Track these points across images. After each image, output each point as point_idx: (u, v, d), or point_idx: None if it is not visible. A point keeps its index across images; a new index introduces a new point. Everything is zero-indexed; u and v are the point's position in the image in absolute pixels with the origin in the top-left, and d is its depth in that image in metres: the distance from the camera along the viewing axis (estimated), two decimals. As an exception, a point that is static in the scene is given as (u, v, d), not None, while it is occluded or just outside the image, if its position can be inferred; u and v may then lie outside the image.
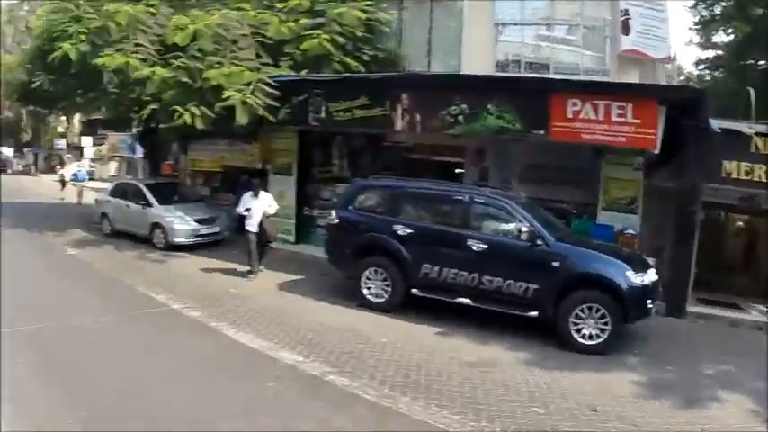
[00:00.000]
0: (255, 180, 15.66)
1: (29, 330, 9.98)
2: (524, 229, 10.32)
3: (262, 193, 14.98)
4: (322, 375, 8.45)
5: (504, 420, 7.12)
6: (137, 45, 16.13)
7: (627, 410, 7.59)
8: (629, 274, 9.83)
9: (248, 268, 14.62)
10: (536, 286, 10.18)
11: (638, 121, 11.29)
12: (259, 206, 14.59)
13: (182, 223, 17.92)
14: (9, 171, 64.91)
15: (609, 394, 8.09)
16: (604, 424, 7.17)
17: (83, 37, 16.57)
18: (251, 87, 14.37)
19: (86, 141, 57.71)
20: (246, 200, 14.73)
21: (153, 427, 6.55)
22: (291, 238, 18.64)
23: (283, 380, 8.24)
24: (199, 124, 14.82)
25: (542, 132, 12.09)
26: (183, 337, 10.15)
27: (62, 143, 63.33)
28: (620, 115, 11.42)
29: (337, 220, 12.66)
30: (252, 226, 14.55)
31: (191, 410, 7.07)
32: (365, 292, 11.95)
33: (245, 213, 14.58)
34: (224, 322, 10.79)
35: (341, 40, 15.93)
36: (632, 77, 15.15)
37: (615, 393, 8.14)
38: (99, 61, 15.75)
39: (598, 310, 9.74)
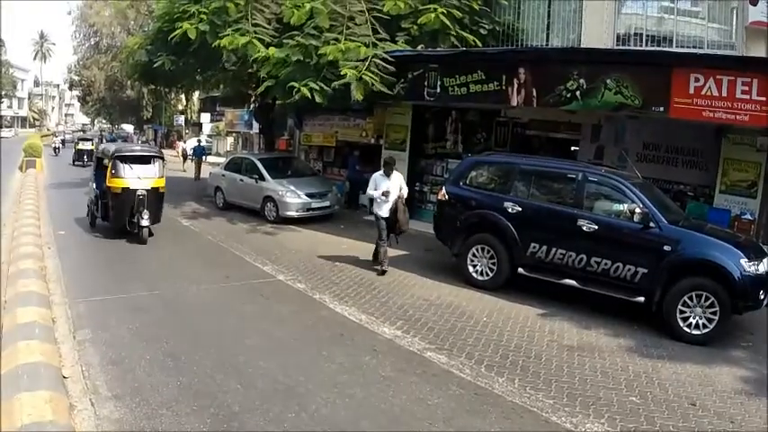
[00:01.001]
0: (390, 157, 14.32)
1: (138, 296, 10.90)
2: (638, 210, 10.20)
3: (394, 172, 13.46)
4: (420, 351, 8.75)
5: (599, 408, 7.15)
6: (254, 25, 16.88)
7: (726, 406, 7.44)
8: (743, 261, 9.51)
9: (376, 259, 13.48)
10: (645, 270, 10.07)
11: (764, 98, 10.92)
12: (393, 188, 13.16)
13: (293, 197, 18.79)
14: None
15: (710, 388, 7.95)
16: (701, 419, 7.08)
17: (203, 17, 17.47)
18: (367, 63, 14.82)
19: (205, 118, 60.29)
20: (379, 180, 13.29)
21: (246, 395, 7.05)
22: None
23: (380, 354, 8.58)
24: (318, 99, 15.40)
25: (662, 109, 11.91)
26: (285, 307, 10.74)
27: (181, 119, 66.36)
28: (744, 92, 11.07)
29: (447, 196, 12.94)
30: (383, 210, 13.22)
31: (286, 380, 7.52)
32: (470, 269, 12.23)
33: (383, 198, 13.06)
34: (327, 295, 11.37)
35: (458, 13, 16.11)
36: (760, 51, 14.61)
37: (716, 387, 7.97)
38: (222, 42, 16.60)
39: (707, 299, 9.50)
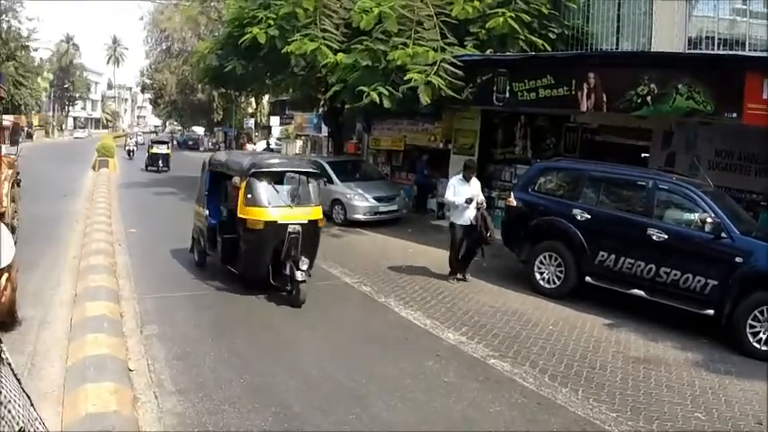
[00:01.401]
0: (471, 160, 13.81)
1: (204, 294, 11.31)
2: (709, 220, 10.00)
3: (473, 178, 12.90)
4: (483, 358, 8.80)
5: (663, 423, 7.05)
6: (323, 30, 17.17)
7: (793, 427, 7.36)
8: (817, 277, 9.28)
9: (454, 271, 13.02)
10: (715, 282, 9.86)
11: (840, 104, 10.62)
12: (475, 195, 12.50)
13: (361, 200, 19.10)
14: (201, 148, 70.17)
15: (778, 407, 7.84)
16: (767, 439, 7.01)
17: (271, 22, 17.88)
18: (435, 68, 14.94)
19: (274, 121, 61.35)
20: (458, 185, 12.63)
21: (308, 396, 7.23)
22: (468, 219, 19.01)
23: (443, 359, 8.66)
24: (386, 103, 15.60)
25: (734, 115, 11.61)
26: (351, 310, 11.01)
27: (251, 122, 67.55)
28: (820, 97, 10.78)
29: (515, 202, 12.87)
30: (463, 218, 12.54)
31: (348, 382, 7.69)
32: (537, 276, 12.21)
33: (464, 205, 12.38)
34: (392, 298, 11.52)
35: (526, 17, 16.14)
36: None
37: (785, 407, 7.88)
38: (289, 48, 16.96)
39: (779, 314, 9.32)
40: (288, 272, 10.71)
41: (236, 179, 11.14)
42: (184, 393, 7.08)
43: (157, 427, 6.29)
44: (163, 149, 39.06)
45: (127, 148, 50.35)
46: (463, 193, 12.42)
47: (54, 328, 8.84)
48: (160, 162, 37.96)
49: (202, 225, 12.64)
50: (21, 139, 19.58)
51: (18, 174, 15.04)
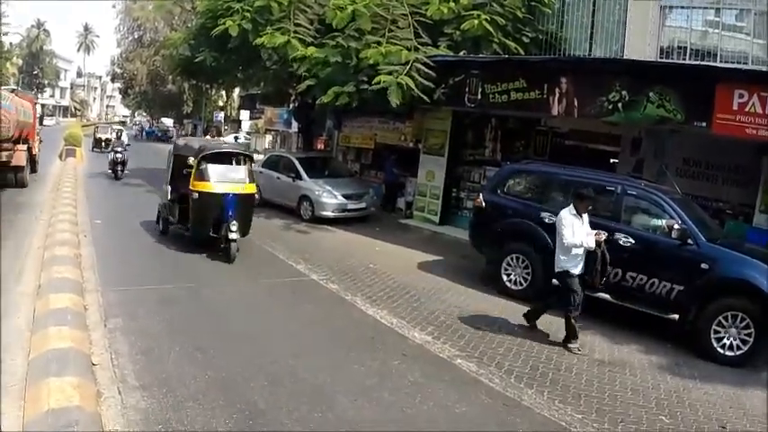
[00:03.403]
0: (588, 189, 10.13)
1: (170, 288, 11.08)
2: (676, 226, 10.05)
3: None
4: (450, 358, 8.77)
5: (628, 425, 7.09)
6: (296, 24, 17.06)
7: (756, 431, 7.37)
8: (781, 283, 9.36)
9: (532, 321, 10.33)
10: (681, 288, 9.94)
11: (808, 117, 10.77)
12: (590, 232, 9.51)
13: (329, 197, 18.89)
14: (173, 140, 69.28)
15: (741, 411, 7.82)
16: (731, 442, 7.01)
17: (246, 14, 17.75)
18: (407, 68, 14.87)
19: (244, 115, 60.93)
20: (572, 220, 9.46)
21: (273, 393, 7.11)
22: (436, 219, 19.27)
23: (410, 359, 8.60)
24: (342, 99, 15.56)
25: (704, 125, 11.80)
26: (317, 307, 10.83)
27: (221, 116, 66.99)
28: (788, 111, 10.91)
29: (484, 204, 12.84)
30: (579, 266, 9.60)
31: (313, 380, 7.59)
32: (504, 278, 12.17)
33: (577, 243, 9.36)
34: (359, 296, 11.41)
35: (501, 21, 16.19)
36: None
37: (748, 411, 7.84)
38: (259, 41, 16.85)
39: (743, 320, 9.33)
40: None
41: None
42: (148, 389, 6.91)
43: (121, 423, 6.13)
44: (237, 184, 13.85)
45: (111, 155, 27.66)
46: (579, 232, 9.45)
47: (16, 320, 8.59)
48: (231, 228, 13.14)
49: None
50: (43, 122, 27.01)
51: (41, 138, 27.70)
